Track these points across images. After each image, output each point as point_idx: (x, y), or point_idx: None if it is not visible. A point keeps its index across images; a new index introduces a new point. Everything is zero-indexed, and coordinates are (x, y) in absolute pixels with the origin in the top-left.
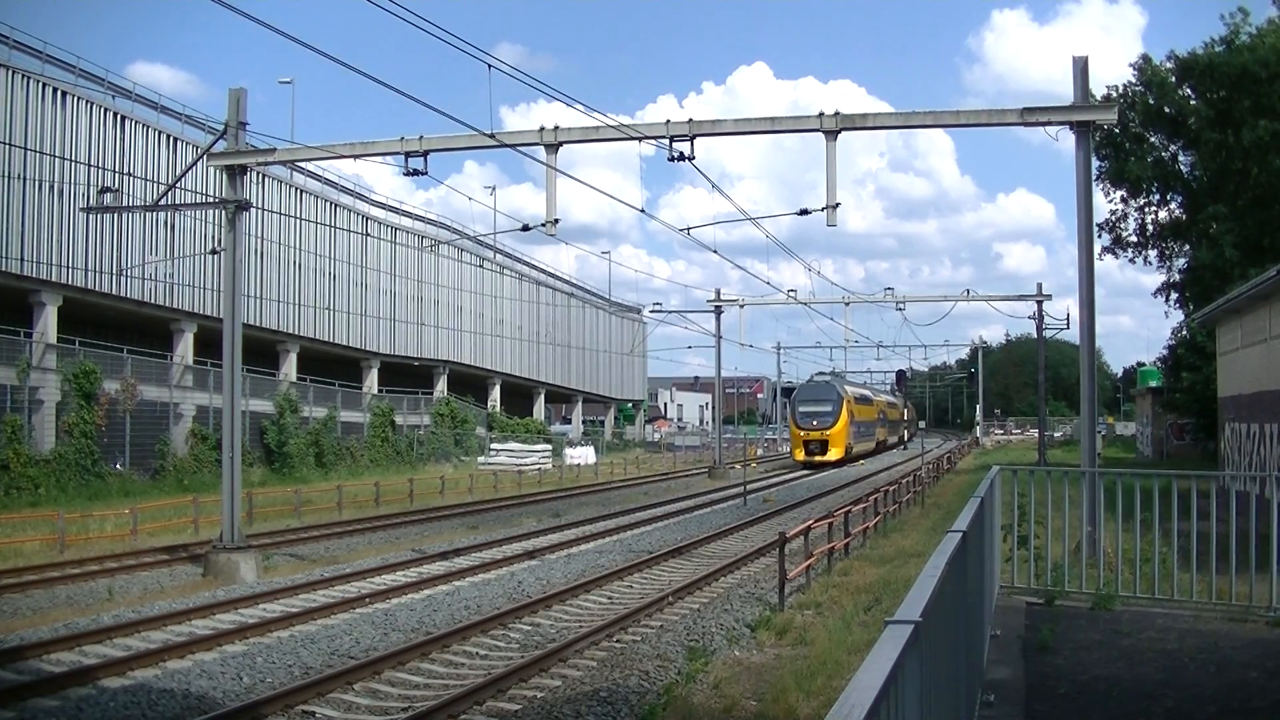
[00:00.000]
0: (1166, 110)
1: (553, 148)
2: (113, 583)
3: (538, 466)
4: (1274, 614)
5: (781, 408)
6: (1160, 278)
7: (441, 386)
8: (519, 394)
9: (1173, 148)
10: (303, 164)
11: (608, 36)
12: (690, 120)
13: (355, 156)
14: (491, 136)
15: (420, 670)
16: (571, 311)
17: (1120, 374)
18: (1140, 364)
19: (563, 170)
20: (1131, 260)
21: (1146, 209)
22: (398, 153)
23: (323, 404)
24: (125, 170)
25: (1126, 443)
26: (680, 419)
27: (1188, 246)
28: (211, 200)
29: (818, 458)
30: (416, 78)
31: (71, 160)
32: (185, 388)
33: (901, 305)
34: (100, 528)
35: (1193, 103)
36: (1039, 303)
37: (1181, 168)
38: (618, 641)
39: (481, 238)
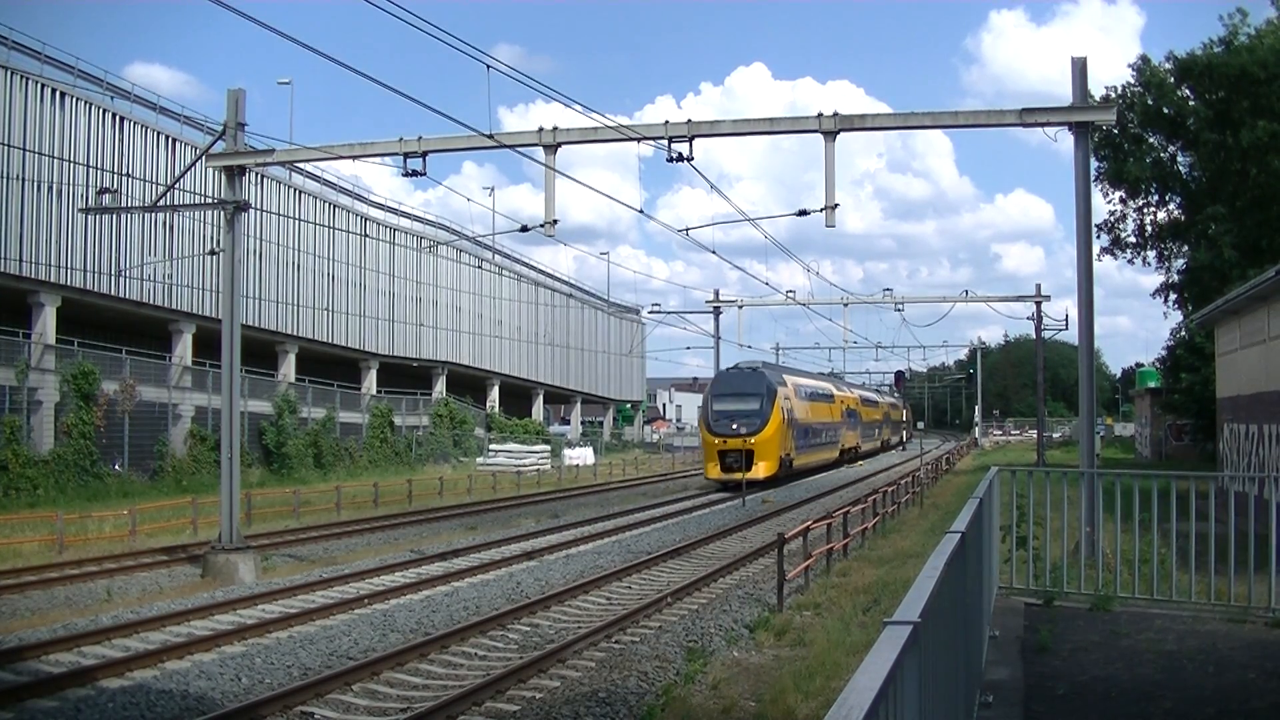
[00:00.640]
0: (1165, 111)
1: (551, 148)
2: (111, 584)
3: (536, 467)
4: (1273, 615)
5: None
6: (1159, 278)
7: (440, 387)
8: (518, 395)
9: (1171, 148)
10: (301, 165)
11: (606, 37)
12: (689, 121)
13: (354, 157)
14: (490, 137)
15: (419, 671)
16: (570, 312)
17: (1119, 375)
18: (1139, 365)
19: (561, 171)
20: (1130, 261)
21: (1145, 210)
22: (396, 153)
23: (321, 405)
24: (124, 171)
25: (1125, 443)
26: (679, 420)
27: (1186, 247)
28: (210, 201)
29: (739, 474)
30: (415, 78)
31: (70, 161)
32: (184, 388)
33: (900, 306)
34: (99, 529)
35: (1191, 103)
36: (1038, 303)
37: (1180, 168)
38: (616, 642)
39: (480, 238)
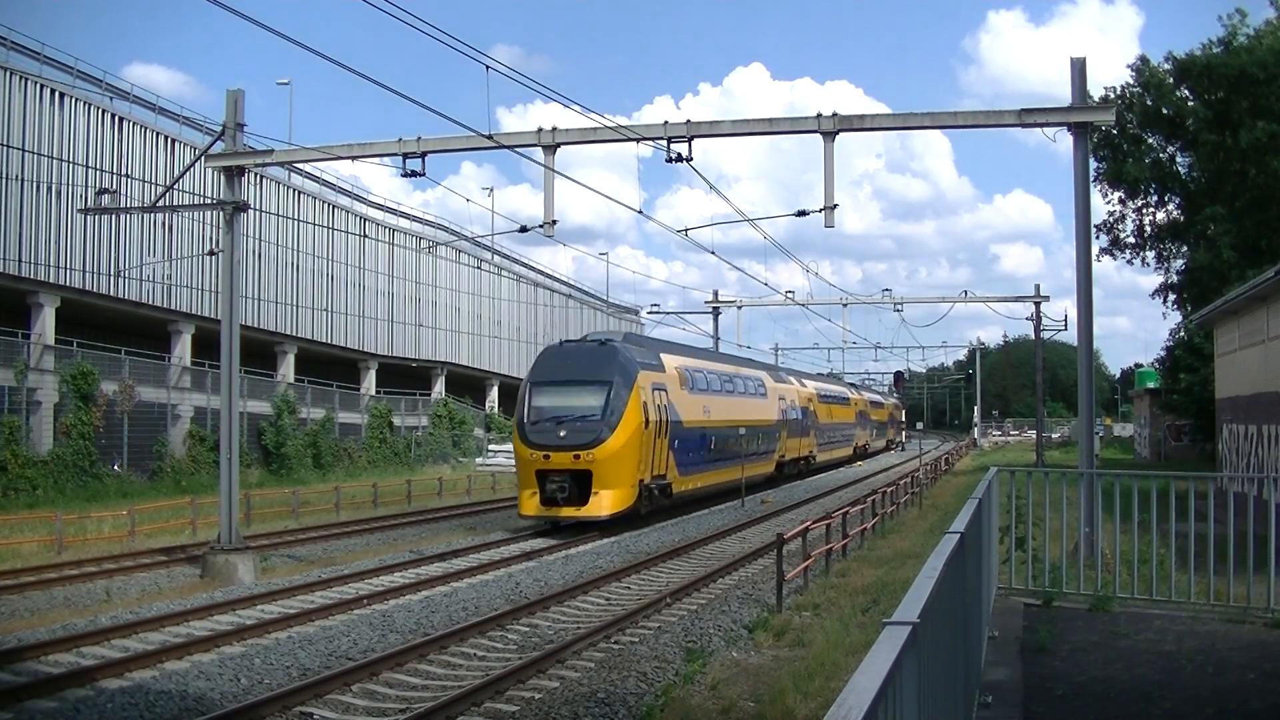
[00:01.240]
0: (1164, 111)
1: (550, 149)
2: (110, 584)
3: None
4: (1272, 615)
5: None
6: (1158, 279)
7: (439, 388)
8: (517, 395)
9: (1170, 149)
10: (300, 165)
11: (604, 38)
12: (688, 121)
13: (353, 158)
14: (489, 138)
15: (418, 672)
16: (569, 312)
17: (1118, 375)
18: (1138, 365)
19: (560, 171)
20: (1129, 261)
21: (1144, 210)
22: (396, 154)
23: (320, 405)
24: (123, 171)
25: (1124, 444)
26: None
27: (1185, 248)
28: (209, 201)
29: (566, 510)
30: (414, 79)
31: (69, 161)
32: (183, 389)
33: (899, 306)
34: (98, 529)
35: (1190, 104)
36: (1037, 304)
37: (1179, 169)
38: (615, 643)
39: (479, 239)
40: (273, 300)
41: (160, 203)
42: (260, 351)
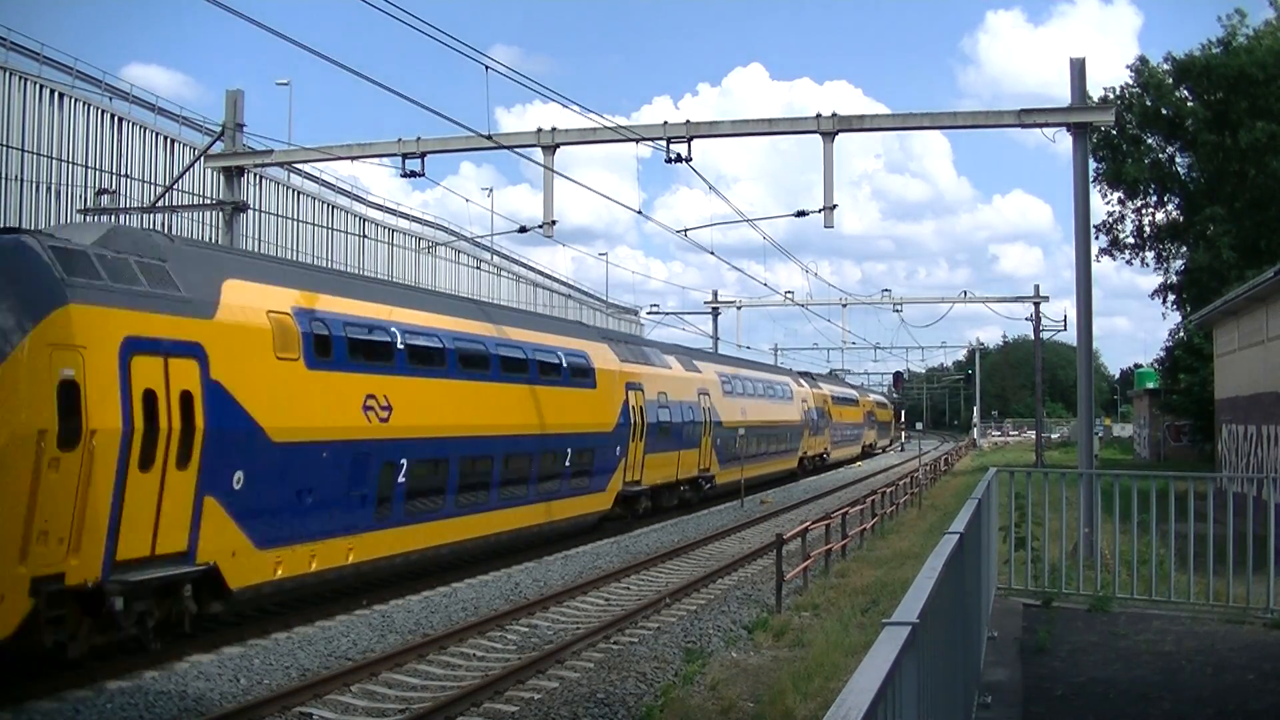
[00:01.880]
0: (1164, 112)
1: (550, 149)
2: None
3: None
4: (1271, 616)
5: None
6: (1158, 279)
7: None
8: None
9: (1170, 149)
10: (300, 165)
11: (603, 38)
12: (687, 122)
13: (353, 158)
14: (489, 138)
15: (417, 672)
16: (569, 313)
17: (1117, 376)
18: (1137, 366)
19: (560, 172)
20: (1129, 262)
21: (1144, 210)
22: (395, 154)
23: None
24: (122, 172)
25: (1124, 444)
26: None
27: (1185, 248)
28: (209, 202)
29: None
30: (413, 79)
31: (69, 162)
32: None
33: (899, 307)
34: None
35: (1190, 104)
36: (1036, 304)
37: (1179, 169)
38: (615, 643)
39: (479, 239)
40: None
41: (160, 203)
42: None
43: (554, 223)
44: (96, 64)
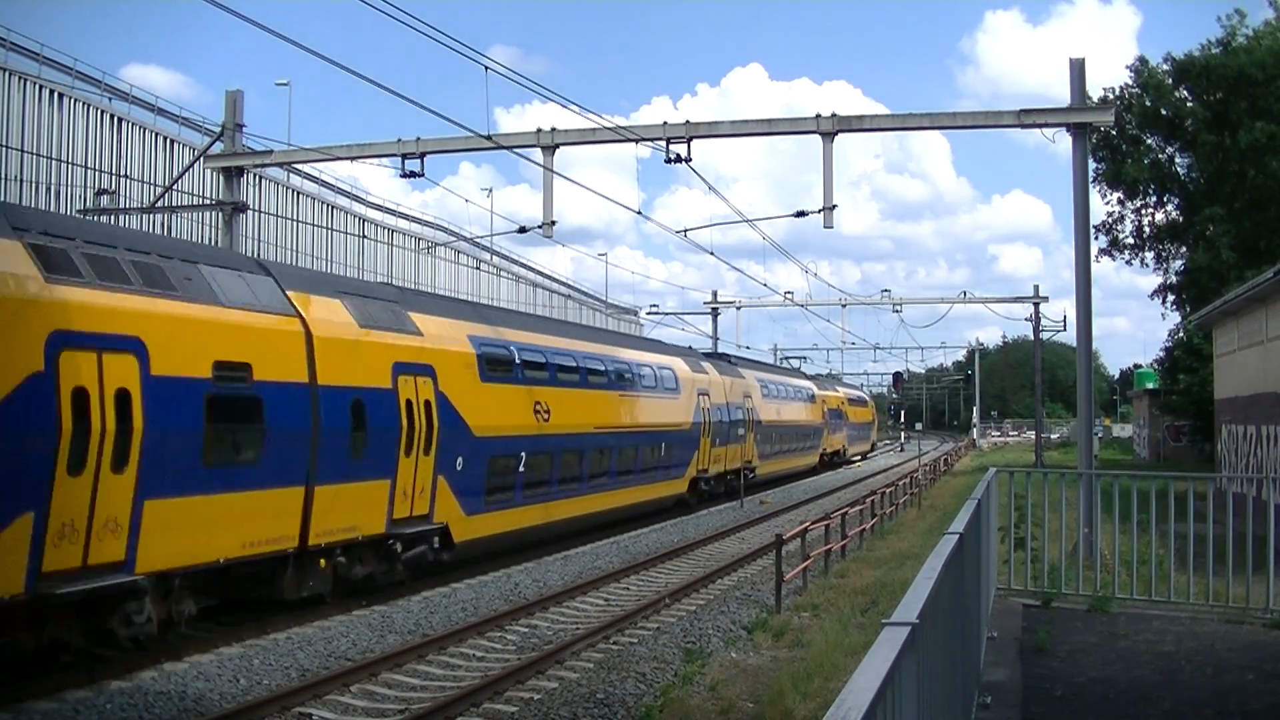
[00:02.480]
0: (1163, 112)
1: (549, 149)
2: None
3: None
4: (1270, 616)
5: None
6: (1157, 280)
7: None
8: None
9: (1169, 150)
10: (299, 166)
11: (601, 38)
12: (687, 122)
13: (352, 158)
14: (488, 138)
15: (416, 672)
16: (568, 313)
17: (1117, 376)
18: (1137, 366)
19: (559, 172)
20: (1128, 262)
21: (1143, 211)
22: (395, 154)
23: None
24: (122, 172)
25: (1123, 444)
26: None
27: (1184, 248)
28: (208, 202)
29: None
30: (413, 80)
31: (68, 162)
32: None
33: (898, 307)
34: None
35: (1189, 105)
36: (1035, 305)
37: (1178, 170)
38: (614, 644)
39: (478, 239)
40: None
41: (159, 203)
42: None
43: (553, 223)
44: (95, 64)
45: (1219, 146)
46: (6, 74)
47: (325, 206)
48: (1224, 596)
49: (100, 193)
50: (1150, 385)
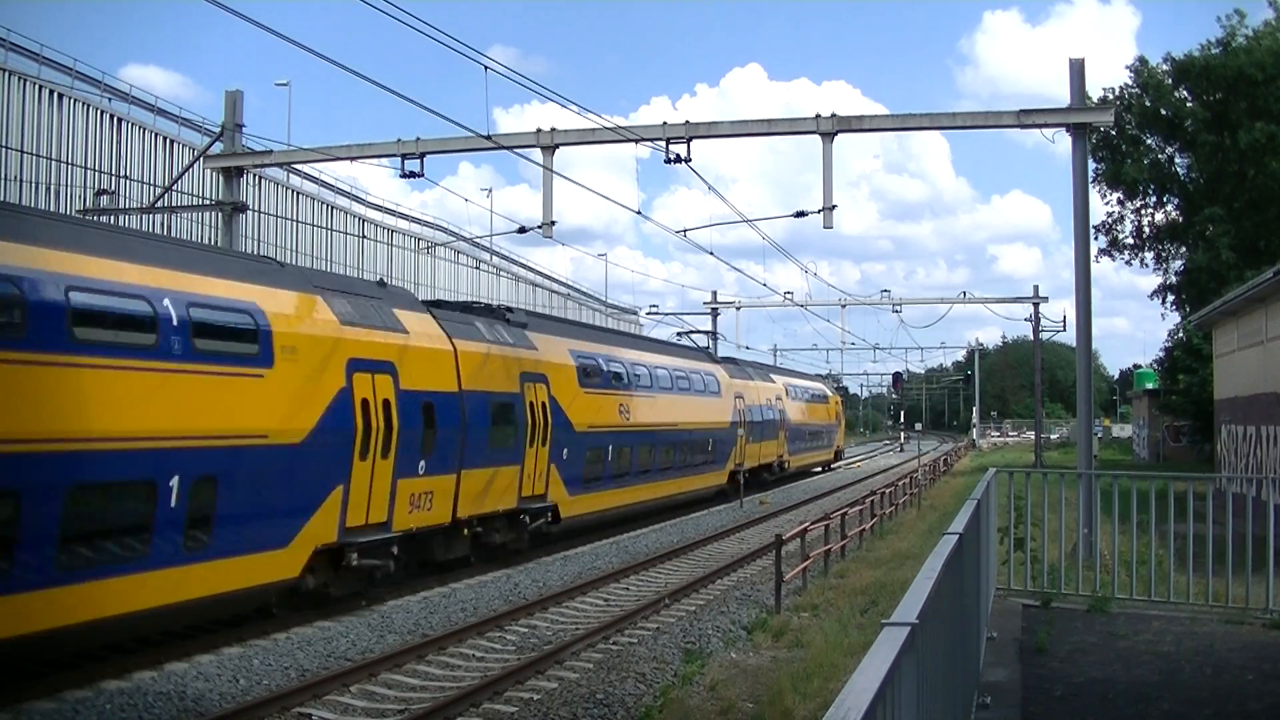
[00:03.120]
0: (1163, 112)
1: (549, 149)
2: None
3: None
4: (1270, 616)
5: None
6: (1157, 280)
7: None
8: None
9: (1169, 150)
10: (299, 166)
11: (600, 39)
12: (687, 122)
13: (352, 158)
14: (488, 138)
15: (416, 672)
16: (568, 313)
17: (1117, 376)
18: (1137, 366)
19: (559, 172)
20: (1128, 262)
21: (1143, 211)
22: (394, 155)
23: None
24: (121, 172)
25: (1123, 445)
26: None
27: (1184, 249)
28: (208, 202)
29: None
30: (412, 80)
31: (68, 162)
32: None
33: (898, 307)
34: None
35: (1189, 105)
36: (1035, 305)
37: (1178, 170)
38: (614, 644)
39: (478, 240)
40: None
41: (159, 203)
42: None
43: (553, 223)
44: (95, 64)
45: (1219, 147)
46: (6, 74)
47: (325, 206)
48: (1224, 597)
49: (100, 193)
50: (1150, 385)
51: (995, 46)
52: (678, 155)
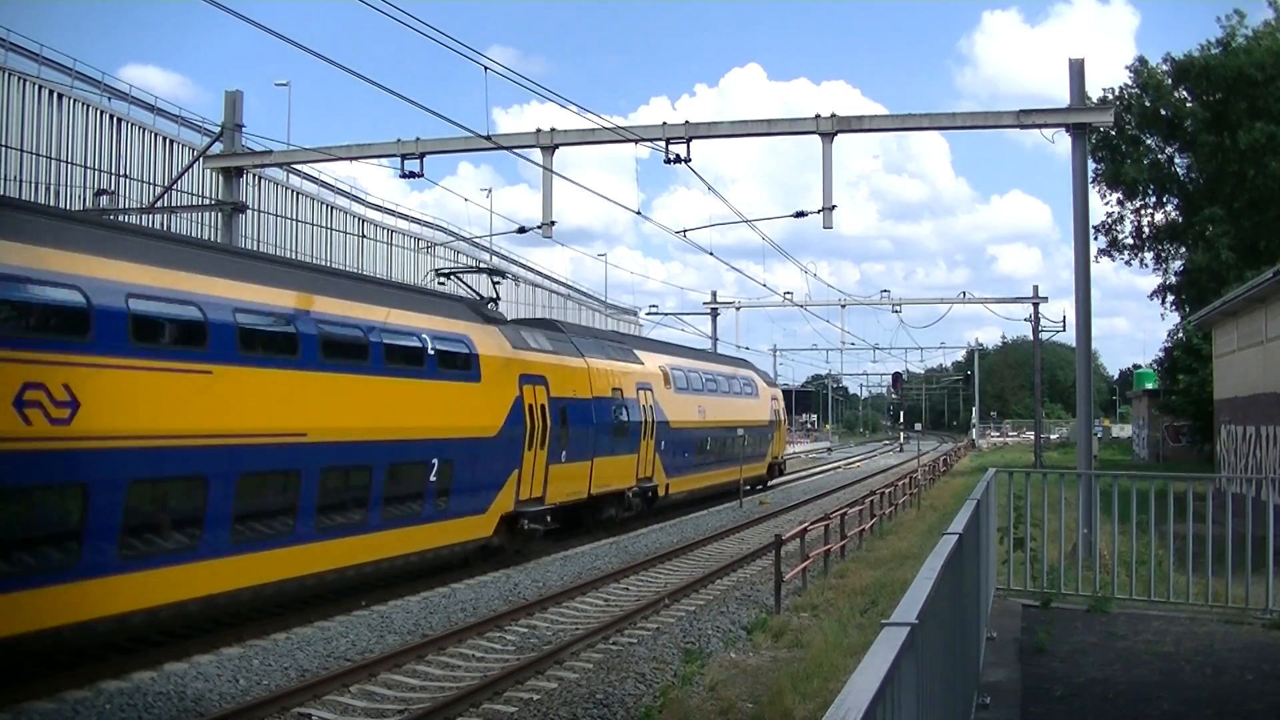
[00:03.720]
0: (1163, 113)
1: (549, 150)
2: None
3: None
4: (1270, 616)
5: None
6: (1156, 280)
7: None
8: None
9: (1169, 150)
10: (299, 166)
11: (600, 39)
12: (686, 122)
13: (351, 159)
14: (488, 139)
15: (416, 673)
16: (568, 313)
17: (1116, 376)
18: (1136, 366)
19: (559, 172)
20: (1128, 263)
21: (1143, 211)
22: (394, 155)
23: None
24: (121, 172)
25: (1123, 445)
26: None
27: (1184, 249)
28: (208, 202)
29: None
30: (412, 80)
31: (68, 162)
32: None
33: (897, 307)
34: None
35: (1189, 105)
36: (1035, 305)
37: (1178, 170)
38: (614, 644)
39: (477, 240)
40: None
41: (159, 203)
42: None
43: (553, 223)
44: (94, 65)
45: (1218, 147)
46: (6, 74)
47: (325, 206)
48: (1223, 597)
49: (100, 193)
50: (1150, 386)
51: (994, 47)
52: (677, 155)
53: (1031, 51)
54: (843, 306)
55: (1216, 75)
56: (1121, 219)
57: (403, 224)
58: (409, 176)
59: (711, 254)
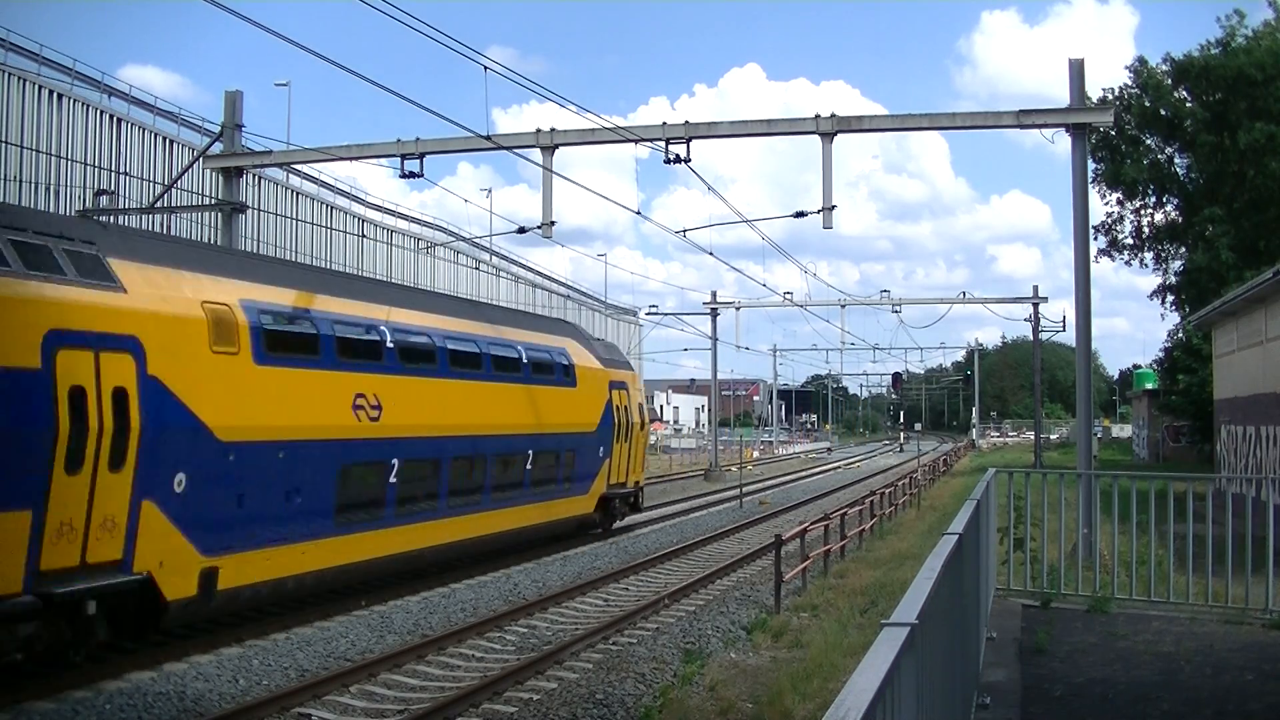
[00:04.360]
0: (1162, 113)
1: (549, 150)
2: None
3: None
4: (1270, 616)
5: (777, 409)
6: (1156, 280)
7: None
8: None
9: (1169, 150)
10: (299, 166)
11: (599, 39)
12: (686, 123)
13: (351, 159)
14: (488, 139)
15: (416, 673)
16: (567, 313)
17: (1116, 376)
18: (1136, 366)
19: (558, 172)
20: (1128, 263)
21: (1142, 211)
22: (394, 155)
23: None
24: (121, 172)
25: (1123, 445)
26: (676, 421)
27: (1184, 249)
28: (208, 202)
29: None
30: (412, 80)
31: (68, 161)
32: None
33: (897, 308)
34: None
35: (1189, 105)
36: (1035, 305)
37: (1178, 170)
38: (614, 644)
39: (477, 240)
40: None
41: (159, 203)
42: None
43: (553, 223)
44: (94, 65)
45: (1218, 147)
46: (6, 74)
47: (324, 207)
48: (1223, 597)
49: (99, 193)
50: (1149, 386)
51: (994, 47)
52: (677, 155)
53: (1031, 51)
54: (842, 306)
55: (1216, 75)
56: (1121, 219)
57: (402, 224)
58: (409, 176)
59: (711, 254)
